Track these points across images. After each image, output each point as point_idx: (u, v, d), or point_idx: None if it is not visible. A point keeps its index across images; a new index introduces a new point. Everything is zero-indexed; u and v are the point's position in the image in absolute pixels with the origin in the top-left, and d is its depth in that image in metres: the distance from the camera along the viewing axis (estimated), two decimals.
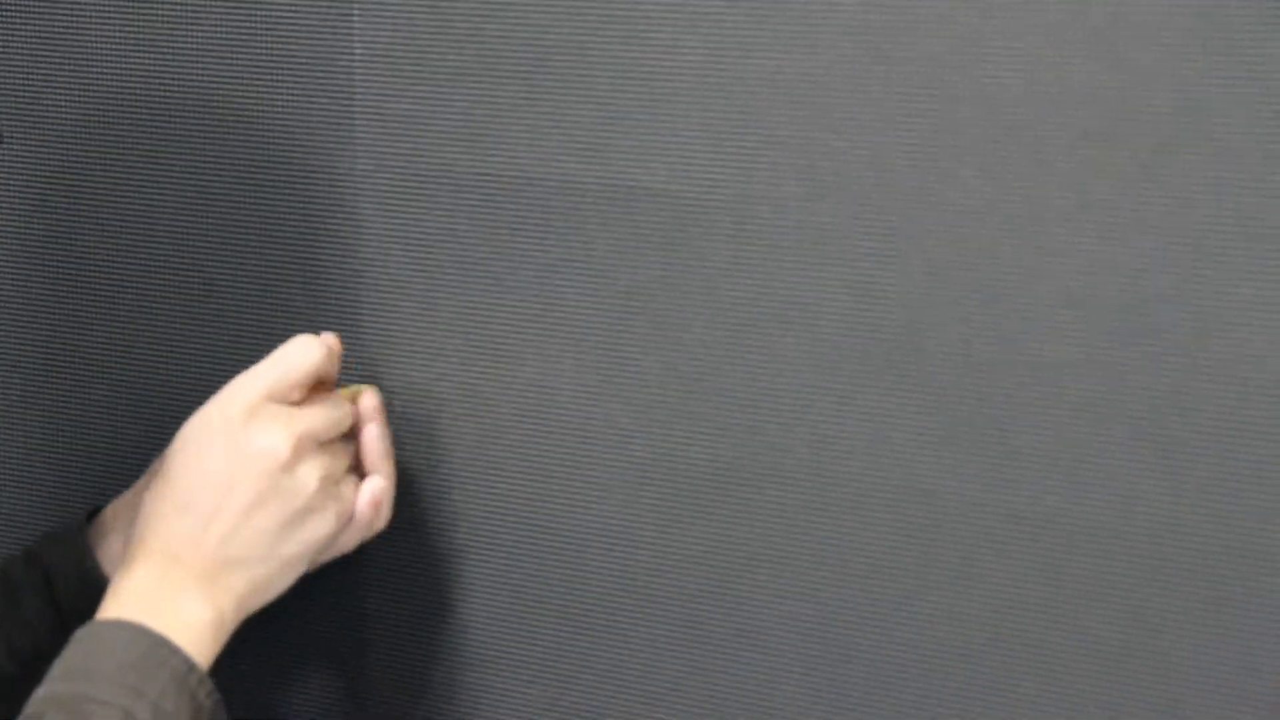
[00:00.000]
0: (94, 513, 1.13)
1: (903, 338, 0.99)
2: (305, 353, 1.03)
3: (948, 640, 1.01)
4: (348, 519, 1.04)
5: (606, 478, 1.07)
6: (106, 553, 1.10)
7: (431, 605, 1.13)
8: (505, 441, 1.09)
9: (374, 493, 1.05)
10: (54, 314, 1.19)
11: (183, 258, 1.15)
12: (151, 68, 1.13)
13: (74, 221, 1.17)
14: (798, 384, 1.02)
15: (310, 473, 1.01)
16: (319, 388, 1.05)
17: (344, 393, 1.07)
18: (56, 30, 1.15)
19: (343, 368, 1.10)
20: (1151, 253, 0.93)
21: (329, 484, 1.02)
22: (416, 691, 1.14)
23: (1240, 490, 0.94)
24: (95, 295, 1.17)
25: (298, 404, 1.03)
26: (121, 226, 1.16)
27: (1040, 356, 0.96)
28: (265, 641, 1.17)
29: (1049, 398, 0.97)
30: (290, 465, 1.00)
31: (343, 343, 1.08)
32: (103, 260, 1.17)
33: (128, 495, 1.11)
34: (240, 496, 0.99)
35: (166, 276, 1.16)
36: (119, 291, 1.17)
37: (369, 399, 1.07)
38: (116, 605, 0.97)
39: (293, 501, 1.00)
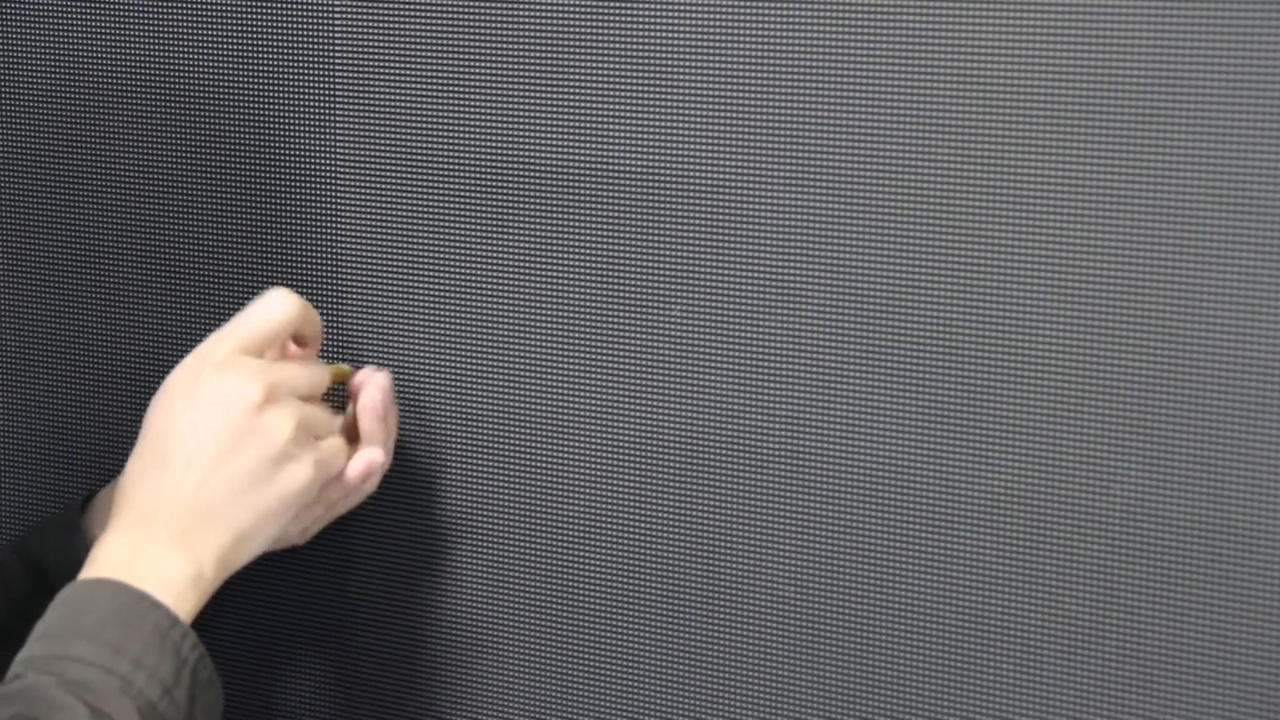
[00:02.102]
0: (88, 498, 1.13)
1: (882, 320, 0.99)
2: (276, 306, 1.02)
3: (925, 621, 1.01)
4: (330, 475, 1.03)
5: (587, 461, 1.07)
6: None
7: (414, 589, 1.13)
8: (486, 426, 1.09)
9: (368, 463, 1.04)
10: (36, 303, 1.19)
11: (165, 245, 1.15)
12: (131, 58, 1.14)
13: (58, 212, 1.18)
14: (778, 367, 1.02)
15: (283, 420, 0.99)
16: (301, 351, 1.05)
17: (329, 368, 1.07)
18: (32, 20, 1.15)
19: (323, 353, 1.10)
20: (1130, 233, 0.94)
21: (304, 433, 1.01)
22: (399, 674, 1.14)
23: (1217, 472, 0.94)
24: (79, 283, 1.18)
25: (275, 360, 1.02)
26: (104, 216, 1.16)
27: (1018, 338, 0.97)
28: (248, 624, 1.17)
29: (1027, 380, 0.97)
30: (262, 410, 0.99)
31: (323, 327, 1.07)
32: (86, 249, 1.17)
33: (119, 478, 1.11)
34: (213, 444, 0.98)
35: (149, 264, 1.16)
36: (102, 279, 1.17)
37: (369, 374, 1.07)
38: (96, 567, 0.96)
39: (266, 447, 0.99)
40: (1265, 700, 0.94)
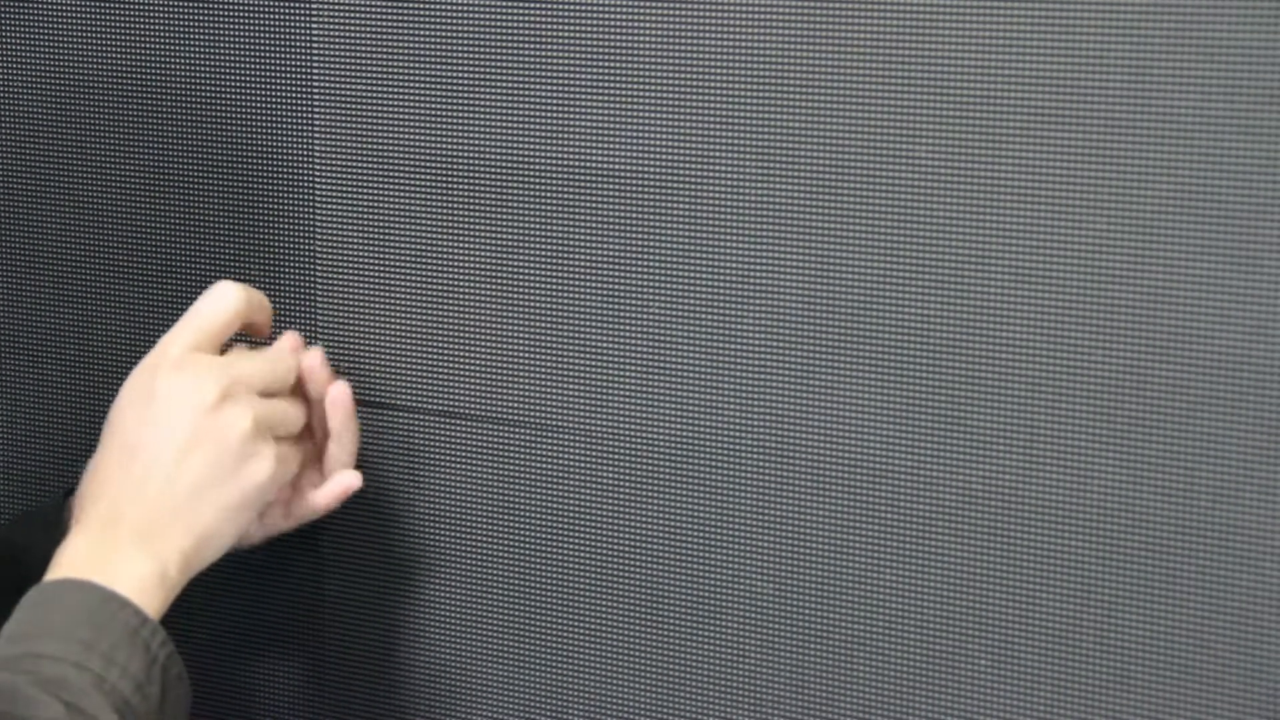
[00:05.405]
0: (70, 492, 1.12)
1: (858, 317, 0.99)
2: (222, 299, 1.03)
3: (903, 616, 1.01)
4: (291, 471, 1.04)
5: (564, 458, 1.07)
6: None
7: (389, 588, 1.13)
8: (462, 422, 1.09)
9: (345, 488, 1.06)
10: (11, 298, 1.19)
11: (141, 239, 1.15)
12: (110, 52, 1.14)
13: (36, 208, 1.18)
14: (754, 363, 1.02)
15: (240, 415, 1.00)
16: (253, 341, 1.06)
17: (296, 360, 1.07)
18: (12, 14, 1.15)
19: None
20: (1104, 231, 0.94)
21: (263, 428, 1.01)
22: (374, 673, 1.14)
23: (1192, 467, 0.94)
24: (53, 279, 1.18)
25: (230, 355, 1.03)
26: (82, 210, 1.16)
27: (994, 335, 0.97)
28: (222, 623, 1.17)
29: (1003, 376, 0.97)
30: (218, 406, 1.00)
31: (299, 325, 1.08)
32: (62, 245, 1.17)
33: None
34: (172, 444, 0.99)
35: (125, 258, 1.16)
36: (78, 274, 1.17)
37: (315, 356, 1.07)
38: (61, 568, 0.97)
39: (225, 444, 1.00)
40: (1240, 695, 0.94)
